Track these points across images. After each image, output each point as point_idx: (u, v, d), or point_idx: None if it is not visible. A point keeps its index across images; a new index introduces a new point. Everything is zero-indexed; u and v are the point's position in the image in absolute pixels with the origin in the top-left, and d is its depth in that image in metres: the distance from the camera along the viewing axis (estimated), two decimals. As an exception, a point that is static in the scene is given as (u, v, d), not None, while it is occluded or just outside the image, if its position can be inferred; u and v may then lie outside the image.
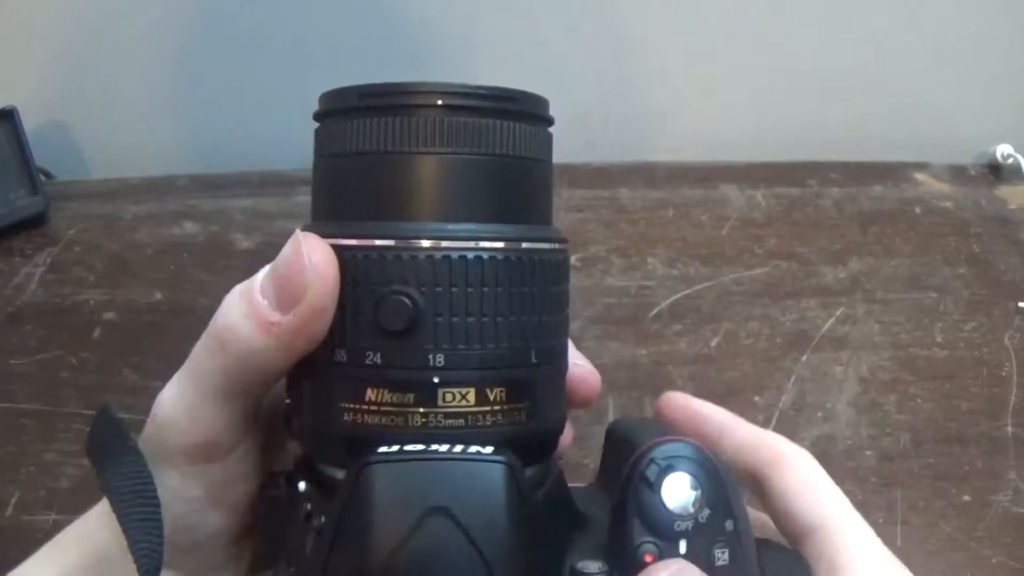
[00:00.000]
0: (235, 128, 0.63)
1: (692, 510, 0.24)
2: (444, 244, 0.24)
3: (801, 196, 0.61)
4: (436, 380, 0.24)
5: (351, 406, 0.24)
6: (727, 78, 0.64)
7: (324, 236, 0.25)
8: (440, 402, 0.24)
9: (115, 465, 0.26)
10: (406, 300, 0.24)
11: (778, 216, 0.59)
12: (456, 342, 0.24)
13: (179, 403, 0.27)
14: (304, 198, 0.57)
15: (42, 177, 0.56)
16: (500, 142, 0.25)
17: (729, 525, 0.25)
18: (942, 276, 0.57)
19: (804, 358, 0.53)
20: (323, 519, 0.24)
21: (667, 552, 0.24)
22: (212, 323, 0.26)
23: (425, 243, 0.24)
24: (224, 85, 0.62)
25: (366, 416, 0.24)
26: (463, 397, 0.24)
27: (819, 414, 0.51)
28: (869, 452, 0.49)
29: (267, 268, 0.25)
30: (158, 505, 0.26)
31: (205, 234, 0.55)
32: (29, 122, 0.55)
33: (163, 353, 0.49)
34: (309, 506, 0.25)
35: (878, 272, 0.57)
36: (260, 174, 0.59)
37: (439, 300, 0.24)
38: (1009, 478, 0.49)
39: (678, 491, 0.24)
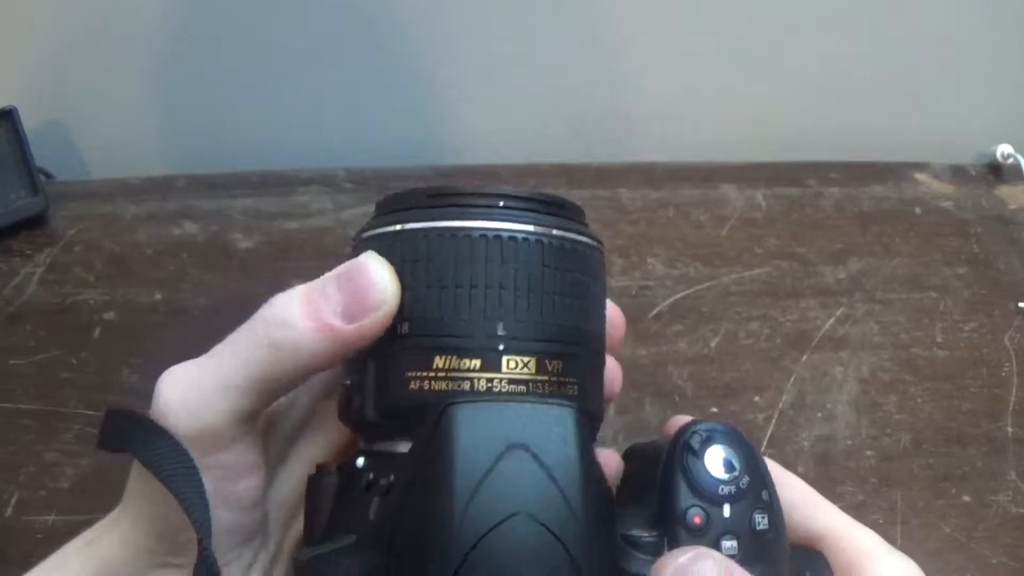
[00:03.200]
0: (235, 128, 0.63)
1: (733, 475, 0.26)
2: (507, 225, 0.26)
3: (801, 196, 0.61)
4: (501, 347, 0.26)
5: (418, 374, 0.26)
6: (727, 78, 0.64)
7: (391, 223, 0.27)
8: (504, 368, 0.26)
9: (149, 445, 0.26)
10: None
11: (778, 216, 0.59)
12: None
13: (188, 385, 0.27)
14: (303, 198, 0.58)
15: (42, 177, 0.56)
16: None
17: (765, 495, 0.27)
18: (942, 276, 0.57)
19: (804, 358, 0.53)
20: (392, 478, 0.25)
21: (713, 515, 0.26)
22: (259, 317, 0.27)
23: (493, 223, 0.26)
24: (224, 85, 0.62)
25: (433, 383, 0.26)
26: (524, 365, 0.26)
27: (819, 414, 0.51)
28: (869, 452, 0.49)
29: (332, 276, 0.27)
30: (200, 476, 0.26)
31: (205, 234, 0.55)
32: (29, 122, 0.55)
33: (163, 353, 0.49)
34: (371, 475, 0.26)
35: (878, 272, 0.57)
36: (260, 174, 0.59)
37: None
38: (1009, 478, 0.49)
39: (719, 458, 0.26)
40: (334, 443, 0.32)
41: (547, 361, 0.26)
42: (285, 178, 0.59)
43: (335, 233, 0.55)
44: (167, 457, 0.26)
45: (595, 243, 0.29)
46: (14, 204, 0.54)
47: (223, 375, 0.26)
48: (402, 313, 0.26)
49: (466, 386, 0.25)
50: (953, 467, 0.49)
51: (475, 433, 0.24)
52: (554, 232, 0.27)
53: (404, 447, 0.26)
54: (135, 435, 0.27)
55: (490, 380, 0.25)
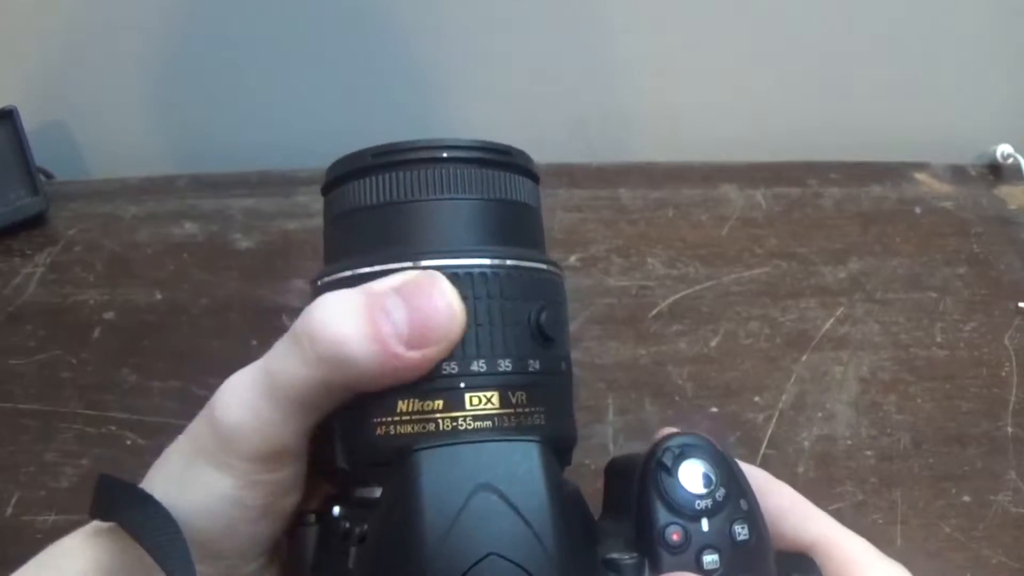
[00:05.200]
0: (235, 128, 0.63)
1: (709, 489, 0.26)
2: (463, 261, 0.26)
3: (801, 196, 0.61)
4: (462, 385, 0.25)
5: (383, 419, 0.25)
6: (727, 78, 0.64)
7: (349, 268, 0.26)
8: (468, 405, 0.25)
9: (134, 513, 0.26)
10: None
11: (778, 216, 0.59)
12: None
13: (252, 406, 0.25)
14: (303, 198, 0.58)
15: (42, 177, 0.56)
16: (501, 190, 0.28)
17: (744, 504, 0.26)
18: (942, 276, 0.57)
19: (804, 358, 0.53)
20: (365, 527, 0.25)
21: (692, 531, 0.25)
22: (306, 331, 0.25)
23: (446, 261, 0.26)
24: (224, 85, 0.62)
25: (398, 427, 0.25)
26: (488, 400, 0.25)
27: (819, 414, 0.51)
28: (869, 452, 0.49)
29: (393, 296, 0.25)
30: (186, 544, 0.25)
31: (205, 234, 0.55)
32: (29, 122, 0.55)
33: (163, 353, 0.49)
34: (347, 524, 0.26)
35: (878, 272, 0.57)
36: (260, 174, 0.59)
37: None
38: (1009, 478, 0.49)
39: (694, 473, 0.26)
40: None
41: (510, 393, 0.26)
42: (285, 178, 0.59)
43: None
44: (155, 526, 0.25)
45: (553, 268, 0.29)
46: (14, 204, 0.54)
47: (274, 396, 0.25)
48: None
49: (431, 427, 0.25)
50: (953, 467, 0.49)
51: (442, 477, 0.24)
52: (508, 263, 0.27)
53: (377, 493, 0.26)
54: (124, 503, 0.26)
55: (454, 419, 0.25)
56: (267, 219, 0.56)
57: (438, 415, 0.25)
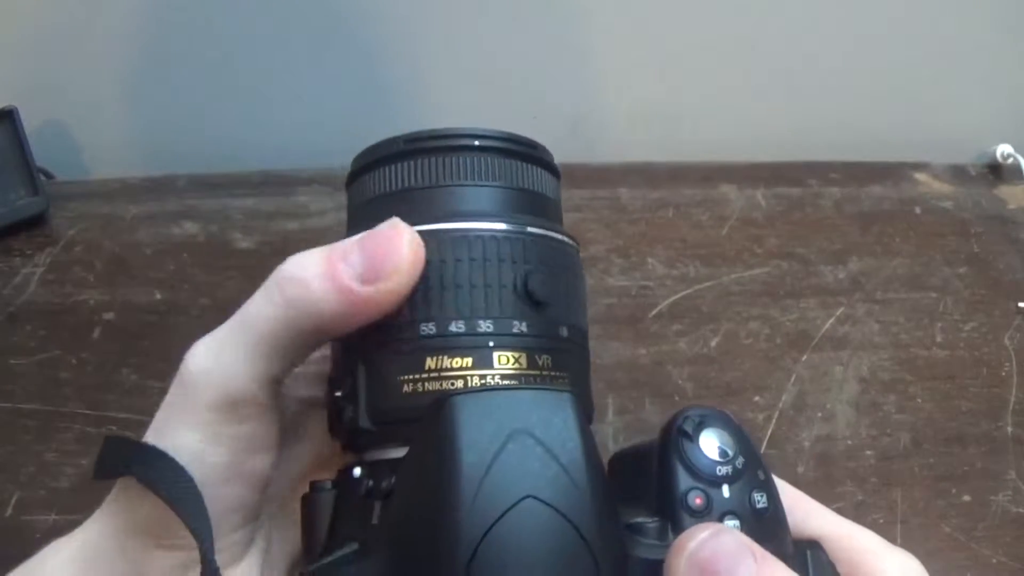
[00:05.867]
0: (235, 128, 0.63)
1: (730, 454, 0.26)
2: (490, 225, 0.27)
3: (801, 196, 0.61)
4: (491, 344, 0.26)
5: (410, 376, 0.26)
6: (726, 78, 0.64)
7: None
8: (496, 364, 0.26)
9: (150, 467, 0.26)
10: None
11: (778, 216, 0.59)
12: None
13: (218, 352, 0.27)
14: (303, 198, 0.58)
15: (42, 177, 0.56)
16: (527, 181, 0.29)
17: (761, 475, 0.27)
18: (942, 276, 0.57)
19: (804, 358, 0.53)
20: (393, 480, 0.25)
21: (713, 496, 0.26)
22: (274, 278, 0.27)
23: (473, 224, 0.27)
24: (224, 86, 0.62)
25: (426, 384, 0.26)
26: (515, 360, 0.26)
27: (819, 414, 0.51)
28: (869, 452, 0.49)
29: (353, 239, 0.27)
30: (202, 497, 0.26)
31: (205, 234, 0.55)
32: (29, 122, 0.55)
33: (163, 353, 0.49)
34: (370, 482, 0.26)
35: (878, 272, 0.57)
36: (260, 174, 0.59)
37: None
38: (1009, 478, 0.49)
39: (714, 442, 0.27)
40: (319, 445, 0.31)
41: (537, 356, 0.26)
42: (285, 178, 0.59)
43: (335, 233, 0.55)
44: (168, 478, 0.26)
45: (571, 241, 0.30)
46: (14, 204, 0.54)
47: (242, 340, 0.26)
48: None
49: (459, 384, 0.26)
50: (953, 467, 0.49)
51: (477, 422, 0.24)
52: (529, 230, 0.27)
53: (399, 453, 0.26)
54: (135, 459, 0.26)
55: (483, 377, 0.26)
56: (267, 219, 0.56)
57: (466, 372, 0.26)
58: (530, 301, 0.27)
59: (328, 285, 0.26)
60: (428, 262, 0.26)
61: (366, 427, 0.27)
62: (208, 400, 0.26)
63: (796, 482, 0.30)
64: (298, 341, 0.27)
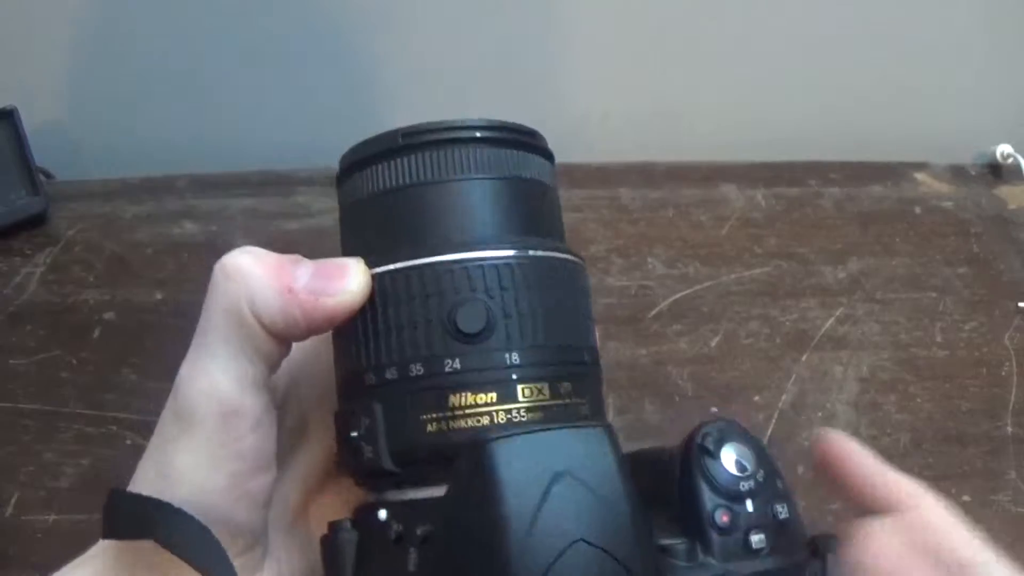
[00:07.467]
0: (235, 128, 0.63)
1: (751, 469, 0.26)
2: (502, 253, 0.26)
3: (801, 196, 0.61)
4: (515, 377, 0.25)
5: (433, 416, 0.25)
6: (727, 78, 0.64)
7: (389, 261, 0.27)
8: (520, 397, 0.25)
9: (172, 529, 0.26)
10: (481, 303, 0.26)
11: (778, 216, 0.59)
12: (526, 340, 0.26)
13: (193, 362, 0.27)
14: (303, 198, 0.58)
15: (42, 177, 0.56)
16: (525, 169, 0.29)
17: (780, 485, 0.27)
18: (942, 276, 0.57)
19: (804, 358, 0.53)
20: (428, 526, 0.25)
21: (738, 512, 0.26)
22: (217, 279, 0.27)
23: (487, 253, 0.26)
24: (224, 86, 0.62)
25: (451, 422, 0.25)
26: (539, 391, 0.25)
27: (819, 414, 0.51)
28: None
29: (305, 261, 0.27)
30: (225, 552, 0.25)
31: (205, 234, 0.55)
32: (29, 122, 0.55)
33: (163, 353, 0.49)
34: (400, 527, 0.25)
35: (878, 272, 0.57)
36: (260, 174, 0.59)
37: (506, 302, 0.26)
38: (1009, 478, 0.49)
39: (733, 455, 0.27)
40: (322, 459, 0.31)
41: (559, 384, 0.26)
42: (285, 178, 0.59)
43: (335, 233, 0.55)
44: (192, 540, 0.25)
45: (575, 258, 0.29)
46: (14, 204, 0.54)
47: (209, 345, 0.26)
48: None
49: (486, 421, 0.25)
50: (953, 467, 0.49)
51: (520, 467, 0.23)
52: (529, 253, 0.27)
53: (426, 493, 0.25)
54: (151, 518, 0.26)
55: (508, 412, 0.25)
56: (267, 219, 0.56)
57: (492, 407, 0.25)
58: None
59: (265, 272, 0.26)
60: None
61: (389, 468, 0.26)
62: (200, 415, 0.26)
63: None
64: (258, 338, 0.26)
